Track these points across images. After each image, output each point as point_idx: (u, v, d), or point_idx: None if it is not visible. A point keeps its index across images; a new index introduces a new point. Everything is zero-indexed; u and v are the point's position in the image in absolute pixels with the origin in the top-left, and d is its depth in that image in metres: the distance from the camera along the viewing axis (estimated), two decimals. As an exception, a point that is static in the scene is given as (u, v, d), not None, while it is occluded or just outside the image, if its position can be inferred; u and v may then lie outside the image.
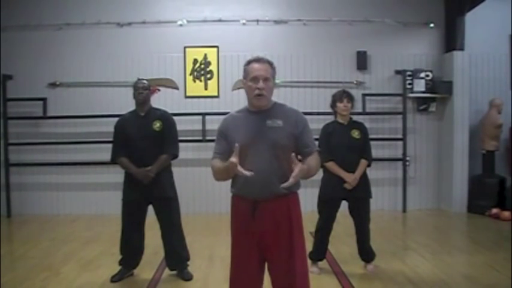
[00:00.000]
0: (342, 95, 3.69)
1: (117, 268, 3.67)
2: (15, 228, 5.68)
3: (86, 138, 6.16)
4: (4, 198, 6.21)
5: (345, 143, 3.65)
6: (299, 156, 2.20)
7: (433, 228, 5.67)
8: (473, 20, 6.27)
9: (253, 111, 2.24)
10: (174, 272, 3.72)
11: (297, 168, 2.04)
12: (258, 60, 2.21)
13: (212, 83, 6.37)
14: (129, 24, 6.32)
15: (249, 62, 2.22)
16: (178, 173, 3.84)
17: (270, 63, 2.22)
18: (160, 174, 3.52)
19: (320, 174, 3.69)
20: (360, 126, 3.76)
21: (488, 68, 6.58)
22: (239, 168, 2.04)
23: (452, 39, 6.32)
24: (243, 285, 2.27)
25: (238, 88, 6.07)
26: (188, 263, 3.74)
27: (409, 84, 6.36)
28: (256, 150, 2.13)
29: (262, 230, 2.18)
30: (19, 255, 4.37)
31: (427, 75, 6.37)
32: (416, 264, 3.98)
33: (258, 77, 2.16)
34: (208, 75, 6.37)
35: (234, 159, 2.03)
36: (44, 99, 6.25)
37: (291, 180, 2.04)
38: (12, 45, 6.22)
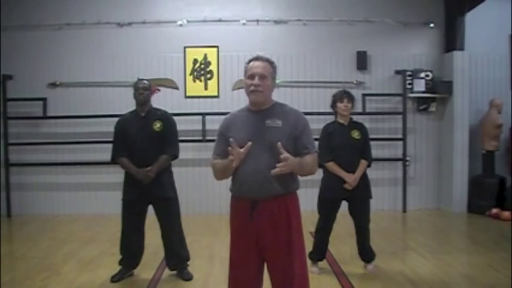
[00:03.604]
0: (342, 95, 3.69)
1: (117, 268, 3.67)
2: (15, 228, 5.68)
3: (86, 138, 6.16)
4: (4, 198, 6.21)
5: (345, 143, 3.65)
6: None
7: (433, 228, 5.67)
8: (473, 20, 6.27)
9: (254, 111, 2.25)
10: (174, 272, 3.72)
11: (286, 154, 2.06)
12: (257, 58, 2.24)
13: (212, 83, 6.37)
14: (129, 24, 6.32)
15: (249, 61, 2.25)
16: (178, 173, 3.84)
17: (270, 62, 2.24)
18: (160, 174, 3.52)
19: (320, 174, 3.69)
20: (360, 126, 3.76)
21: (488, 68, 6.58)
22: (235, 164, 2.10)
23: (452, 39, 6.32)
24: (241, 285, 2.27)
25: (238, 88, 6.07)
26: (188, 263, 3.74)
27: (409, 84, 6.36)
28: (254, 149, 2.13)
29: (261, 229, 2.18)
30: (19, 255, 4.37)
31: (427, 75, 6.37)
32: (416, 264, 3.98)
33: (254, 74, 2.18)
34: (208, 75, 6.37)
35: (233, 156, 2.10)
36: (44, 99, 6.24)
37: (281, 164, 2.06)
38: (12, 45, 6.21)
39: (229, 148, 2.11)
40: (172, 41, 6.30)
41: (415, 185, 6.50)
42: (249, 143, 2.09)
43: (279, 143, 2.06)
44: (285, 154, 2.05)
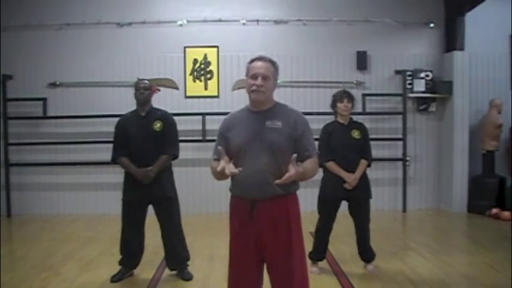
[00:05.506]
0: (343, 95, 3.69)
1: (117, 268, 3.67)
2: (15, 228, 5.68)
3: (86, 138, 6.16)
4: (4, 198, 6.21)
5: (345, 143, 3.65)
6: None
7: (433, 228, 5.67)
8: (473, 20, 6.27)
9: (254, 111, 2.25)
10: (174, 272, 3.72)
11: (293, 169, 2.04)
12: (260, 58, 2.23)
13: (212, 83, 6.37)
14: (129, 24, 6.31)
15: (251, 61, 2.24)
16: (178, 173, 3.85)
17: (273, 63, 2.24)
18: (160, 174, 3.52)
19: (320, 174, 3.69)
20: (360, 126, 3.76)
21: (488, 68, 6.58)
22: (227, 171, 2.06)
23: (452, 39, 6.32)
24: (241, 285, 2.27)
25: (238, 88, 6.07)
26: (188, 263, 3.74)
27: (409, 84, 6.36)
28: (254, 150, 2.14)
29: (260, 230, 2.18)
30: (19, 255, 4.37)
31: (427, 75, 6.37)
32: (416, 264, 3.98)
33: (256, 75, 2.18)
34: (208, 75, 6.37)
35: (221, 166, 2.07)
36: (44, 99, 6.24)
37: (284, 178, 2.04)
38: (12, 45, 6.21)
39: (220, 148, 2.12)
40: (172, 41, 6.30)
41: (415, 185, 6.49)
42: (237, 171, 2.07)
43: (294, 155, 2.07)
44: (289, 174, 2.04)
